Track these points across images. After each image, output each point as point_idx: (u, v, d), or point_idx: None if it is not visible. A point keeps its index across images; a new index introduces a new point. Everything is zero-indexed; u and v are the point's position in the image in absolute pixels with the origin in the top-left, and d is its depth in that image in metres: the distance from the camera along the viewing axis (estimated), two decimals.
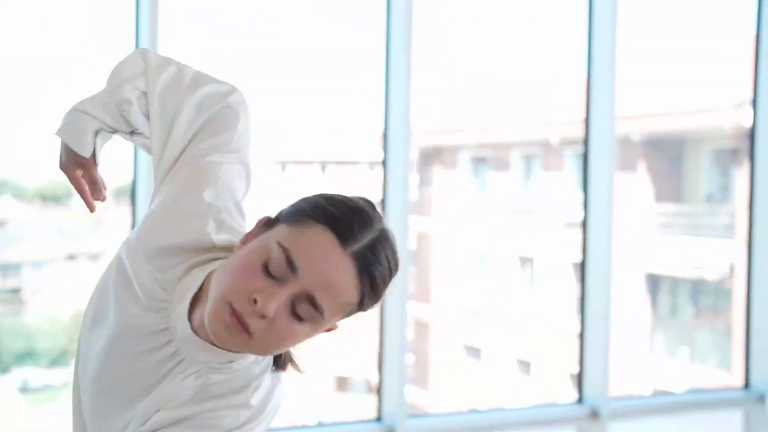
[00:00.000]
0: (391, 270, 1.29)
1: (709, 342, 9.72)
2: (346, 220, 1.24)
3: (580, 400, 4.19)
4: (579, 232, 4.25)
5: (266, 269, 1.23)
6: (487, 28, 10.19)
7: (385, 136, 3.73)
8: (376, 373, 3.79)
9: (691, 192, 9.79)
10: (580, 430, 4.14)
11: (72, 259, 9.28)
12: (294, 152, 10.23)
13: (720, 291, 9.63)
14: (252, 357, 1.33)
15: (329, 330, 1.32)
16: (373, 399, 5.54)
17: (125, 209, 8.75)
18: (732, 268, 9.21)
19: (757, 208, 4.51)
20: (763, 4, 4.51)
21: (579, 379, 4.22)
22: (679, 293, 9.88)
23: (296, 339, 1.26)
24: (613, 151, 4.13)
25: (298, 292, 1.22)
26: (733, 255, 9.15)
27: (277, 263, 1.23)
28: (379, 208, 1.31)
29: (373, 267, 1.25)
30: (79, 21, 7.58)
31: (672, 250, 9.57)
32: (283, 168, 10.19)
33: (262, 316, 1.22)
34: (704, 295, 9.85)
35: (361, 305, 1.28)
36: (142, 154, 3.38)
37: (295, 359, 1.40)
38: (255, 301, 1.21)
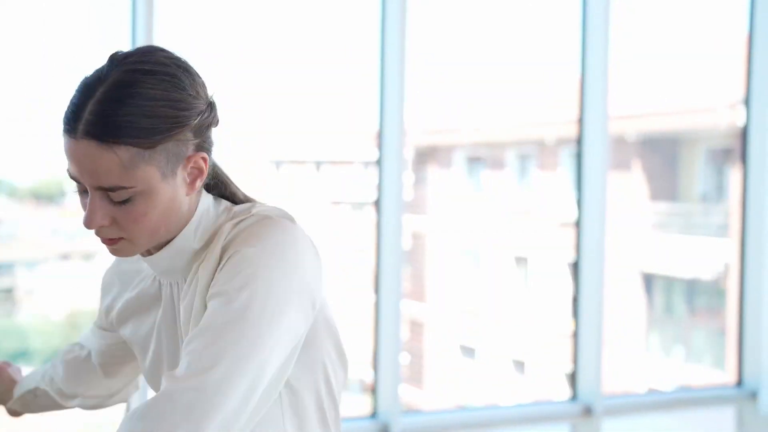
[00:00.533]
0: (115, 98, 1.26)
1: (704, 341, 9.74)
2: (65, 114, 1.28)
3: (573, 397, 4.20)
4: (573, 230, 4.27)
5: (80, 191, 1.32)
6: (481, 27, 10.20)
7: (380, 135, 3.74)
8: (371, 371, 3.80)
9: (686, 191, 9.81)
10: (573, 427, 4.15)
11: (65, 259, 9.27)
12: (288, 151, 10.23)
13: (715, 290, 9.65)
14: (189, 232, 1.37)
15: (196, 170, 1.33)
16: (368, 399, 5.55)
17: None
18: (727, 268, 9.23)
19: (750, 207, 4.53)
20: (755, 3, 4.53)
21: (573, 376, 4.23)
22: (674, 292, 9.90)
23: (147, 214, 1.30)
24: (607, 150, 4.14)
25: (94, 192, 1.28)
26: (728, 254, 9.16)
27: (76, 182, 1.32)
28: (114, 64, 1.31)
29: (104, 127, 1.25)
30: (75, 20, 7.58)
31: (667, 249, 9.60)
32: (278, 167, 10.19)
33: (100, 228, 1.30)
34: (699, 295, 9.87)
35: (148, 147, 1.26)
36: None
37: (242, 194, 1.44)
38: None
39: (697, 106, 9.67)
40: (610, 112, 4.14)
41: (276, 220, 1.32)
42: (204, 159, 1.33)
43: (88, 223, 1.29)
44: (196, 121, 1.30)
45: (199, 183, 1.34)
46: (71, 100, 1.29)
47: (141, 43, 3.31)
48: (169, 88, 1.28)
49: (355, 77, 9.38)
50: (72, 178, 1.30)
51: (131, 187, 1.27)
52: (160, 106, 1.26)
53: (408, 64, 3.68)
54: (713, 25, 9.29)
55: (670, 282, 9.82)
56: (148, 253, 1.39)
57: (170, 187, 1.30)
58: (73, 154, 1.27)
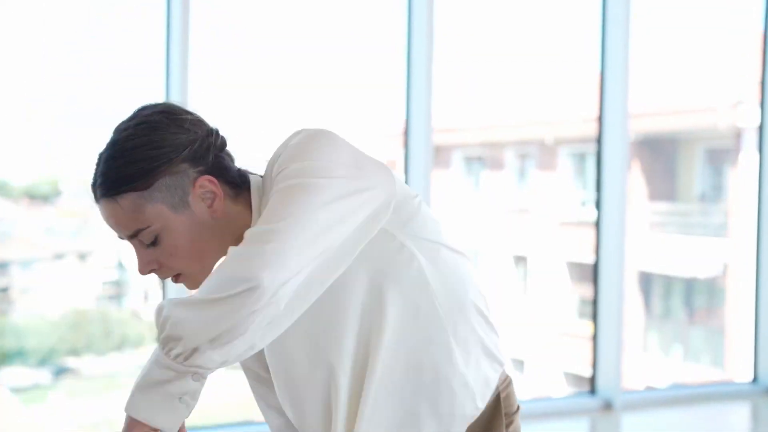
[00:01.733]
0: (107, 159, 1.42)
1: (702, 340, 9.78)
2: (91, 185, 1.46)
3: (593, 392, 4.25)
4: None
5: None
6: (480, 28, 10.23)
7: (406, 134, 3.76)
8: None
9: (685, 191, 9.84)
10: (593, 422, 4.20)
11: (60, 258, 9.24)
12: None
13: (713, 289, 9.70)
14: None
15: (209, 193, 1.43)
16: None
17: None
18: (725, 267, 9.29)
19: (764, 205, 4.57)
20: None
21: (593, 371, 4.28)
22: (673, 292, 9.93)
23: (177, 246, 1.42)
24: (627, 150, 4.17)
25: (132, 242, 1.44)
26: (726, 253, 9.22)
27: None
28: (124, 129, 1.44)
29: (104, 186, 1.42)
30: (72, 20, 7.57)
31: (665, 249, 9.63)
32: None
33: (153, 272, 1.45)
34: (697, 294, 9.91)
35: (144, 188, 1.40)
36: None
37: None
38: None
39: (695, 106, 9.71)
40: (630, 111, 4.17)
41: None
42: (211, 181, 1.43)
43: (141, 271, 1.44)
44: (184, 153, 1.41)
45: (218, 203, 1.44)
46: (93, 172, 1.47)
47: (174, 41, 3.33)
48: (148, 132, 1.41)
49: (355, 74, 9.39)
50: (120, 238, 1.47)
51: (148, 227, 1.40)
52: (141, 151, 1.40)
53: (435, 64, 3.70)
54: (711, 25, 9.34)
55: (668, 281, 9.85)
56: None
57: (186, 216, 1.42)
58: (102, 216, 1.45)
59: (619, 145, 4.14)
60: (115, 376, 8.58)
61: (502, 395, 1.52)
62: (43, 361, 8.74)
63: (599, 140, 4.20)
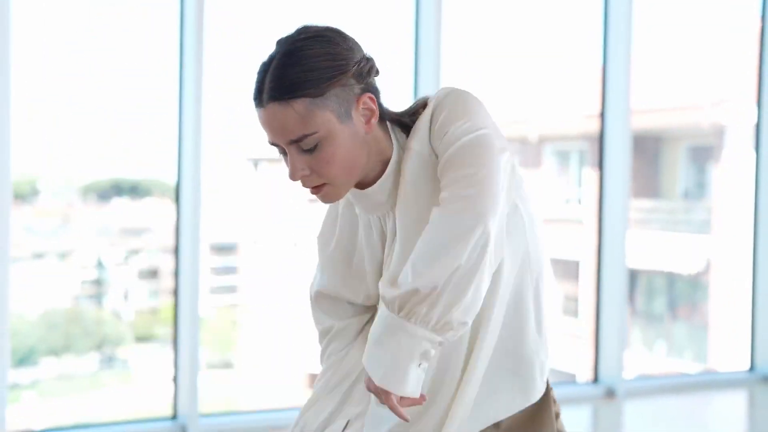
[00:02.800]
0: (284, 65, 1.49)
1: (685, 336, 9.87)
2: (253, 93, 1.53)
3: (595, 380, 4.29)
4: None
5: (281, 154, 1.57)
6: (462, 25, 10.28)
7: None
8: None
9: (668, 188, 9.93)
10: (596, 409, 4.24)
11: (40, 258, 9.18)
12: (266, 149, 10.21)
13: (696, 285, 9.79)
14: (393, 167, 1.57)
15: (368, 111, 1.53)
16: None
17: (92, 207, 8.68)
18: (708, 263, 9.39)
19: (761, 201, 4.64)
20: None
21: (595, 359, 4.33)
22: (656, 288, 10.02)
23: (336, 154, 1.51)
24: (629, 146, 4.19)
25: (289, 148, 1.52)
26: (710, 250, 9.33)
27: (276, 147, 1.56)
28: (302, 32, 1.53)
29: (279, 89, 1.49)
30: (50, 20, 7.53)
31: (649, 246, 9.71)
32: (256, 165, 10.18)
33: (302, 179, 1.53)
34: (681, 290, 10.00)
35: (319, 95, 1.48)
36: (187, 155, 3.39)
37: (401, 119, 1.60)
38: None
39: (679, 103, 9.80)
40: (629, 108, 4.20)
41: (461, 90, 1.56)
42: (371, 99, 1.54)
43: (292, 175, 1.53)
44: (354, 68, 1.52)
45: (374, 121, 1.55)
46: (255, 81, 1.53)
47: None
48: (325, 45, 1.51)
49: None
50: (272, 144, 1.55)
51: (314, 133, 1.49)
52: (320, 60, 1.49)
53: (444, 60, 3.72)
54: (694, 23, 9.44)
55: (652, 277, 9.93)
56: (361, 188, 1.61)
57: (348, 128, 1.52)
58: (264, 121, 1.52)
59: (621, 141, 4.17)
60: (95, 376, 8.55)
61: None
62: (21, 362, 8.68)
63: (601, 137, 4.23)
